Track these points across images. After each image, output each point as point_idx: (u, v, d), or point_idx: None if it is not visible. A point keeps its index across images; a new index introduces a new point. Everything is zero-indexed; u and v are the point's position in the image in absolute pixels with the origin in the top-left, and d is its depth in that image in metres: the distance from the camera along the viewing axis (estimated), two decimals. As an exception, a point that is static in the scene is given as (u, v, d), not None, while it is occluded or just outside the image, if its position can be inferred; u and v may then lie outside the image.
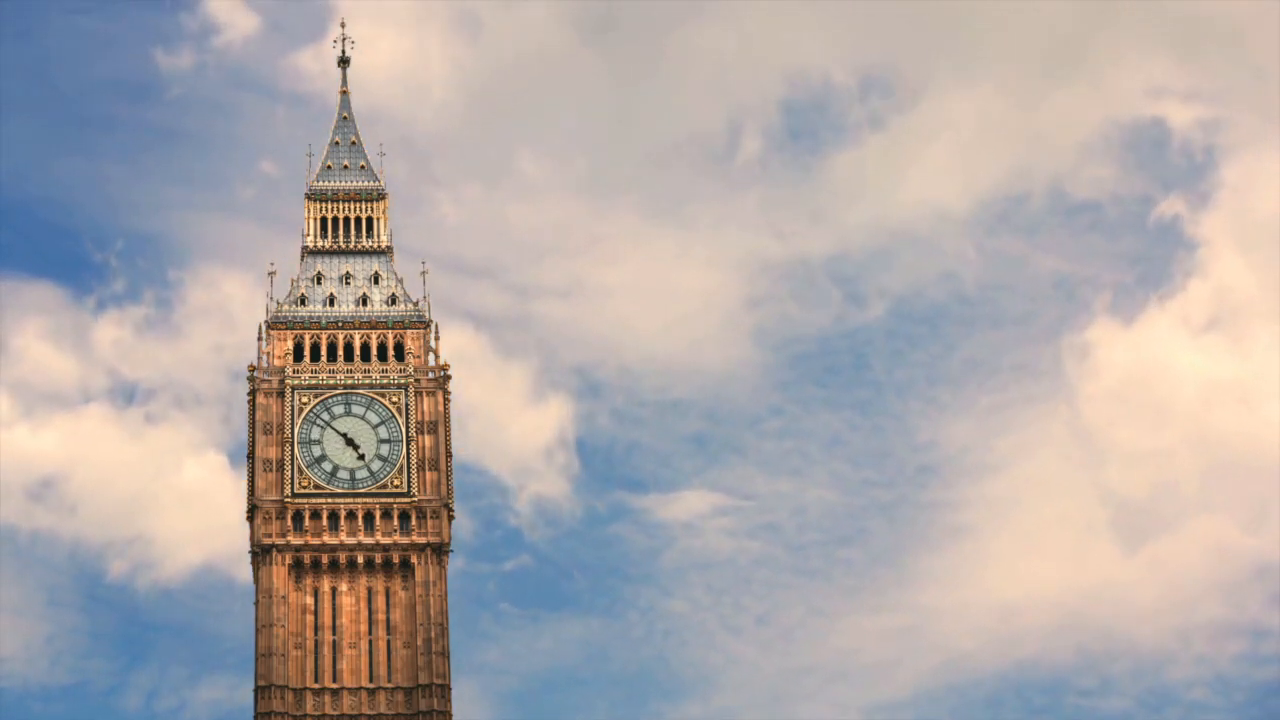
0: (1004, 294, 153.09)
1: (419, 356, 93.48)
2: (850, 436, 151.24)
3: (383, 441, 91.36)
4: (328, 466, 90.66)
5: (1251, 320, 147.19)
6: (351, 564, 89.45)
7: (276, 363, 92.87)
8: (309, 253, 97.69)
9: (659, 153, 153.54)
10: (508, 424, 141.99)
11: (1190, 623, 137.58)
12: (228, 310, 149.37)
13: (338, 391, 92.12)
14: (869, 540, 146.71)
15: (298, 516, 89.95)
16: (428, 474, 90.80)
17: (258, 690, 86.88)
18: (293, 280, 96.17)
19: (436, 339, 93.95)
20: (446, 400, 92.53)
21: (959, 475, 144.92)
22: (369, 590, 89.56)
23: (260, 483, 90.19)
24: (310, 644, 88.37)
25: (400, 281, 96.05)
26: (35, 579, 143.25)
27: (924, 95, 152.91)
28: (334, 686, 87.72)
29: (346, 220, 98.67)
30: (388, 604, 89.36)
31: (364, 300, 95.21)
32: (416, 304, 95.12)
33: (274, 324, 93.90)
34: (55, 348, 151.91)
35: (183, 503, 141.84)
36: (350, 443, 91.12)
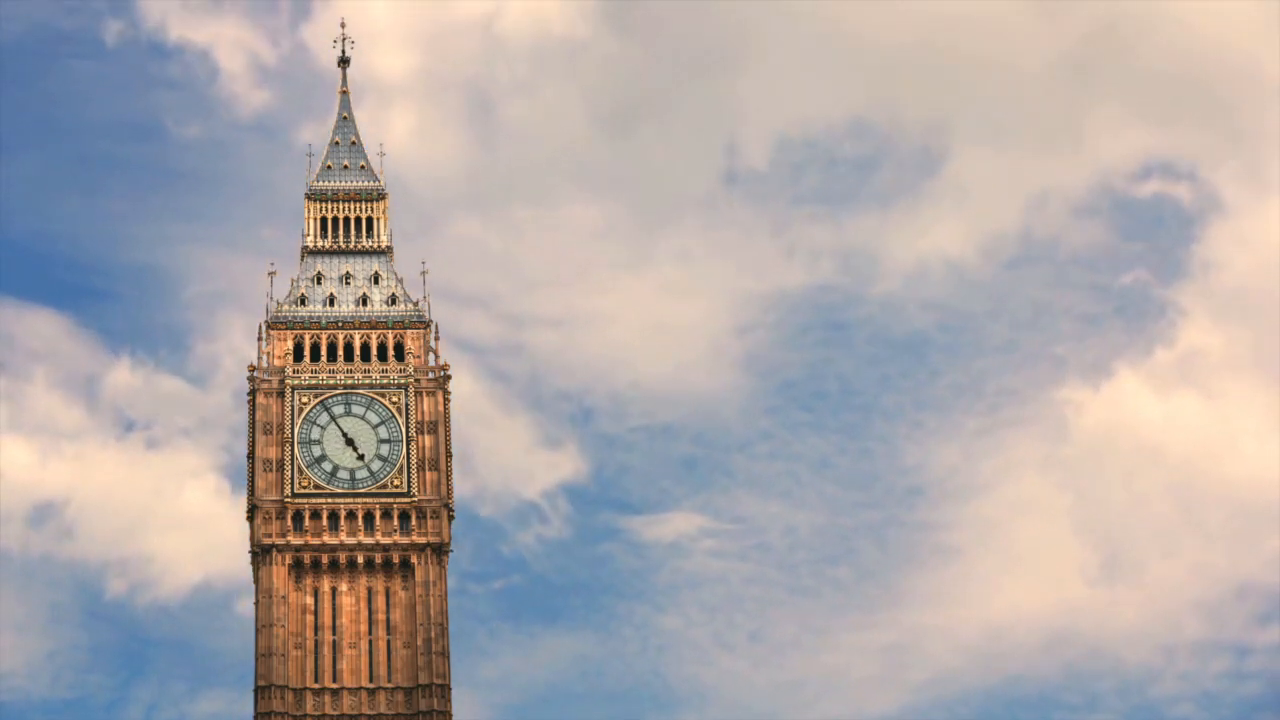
0: (988, 322, 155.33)
1: (419, 356, 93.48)
2: (839, 460, 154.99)
3: (383, 441, 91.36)
4: (328, 466, 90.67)
5: (1224, 372, 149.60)
6: (351, 564, 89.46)
7: (276, 363, 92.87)
8: (309, 253, 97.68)
9: (654, 191, 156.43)
10: (501, 451, 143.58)
11: (1174, 641, 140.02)
12: (228, 338, 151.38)
13: (338, 391, 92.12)
14: (858, 559, 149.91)
15: (298, 516, 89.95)
16: (428, 474, 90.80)
17: (258, 690, 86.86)
18: (293, 280, 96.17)
19: (436, 339, 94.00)
20: (446, 400, 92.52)
21: (946, 497, 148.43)
22: (369, 590, 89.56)
23: (260, 483, 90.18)
24: (310, 644, 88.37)
25: (400, 281, 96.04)
26: (37, 597, 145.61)
27: (912, 146, 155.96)
28: (334, 686, 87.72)
29: (346, 220, 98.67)
30: (388, 604, 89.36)
31: (364, 300, 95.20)
32: (416, 304, 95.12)
33: (274, 324, 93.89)
34: (56, 374, 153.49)
35: (182, 525, 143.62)
36: (350, 443, 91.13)
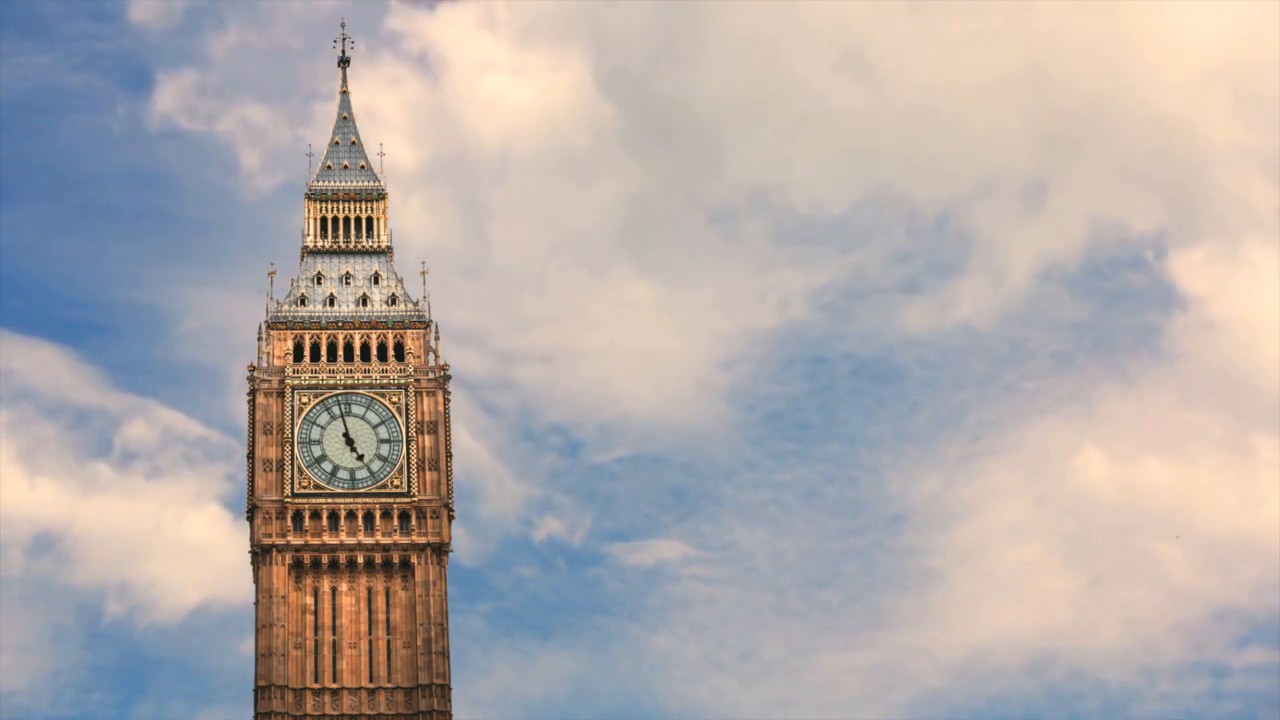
0: (968, 357, 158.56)
1: (419, 356, 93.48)
2: (825, 488, 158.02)
3: (383, 441, 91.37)
4: (328, 466, 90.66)
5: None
6: (351, 564, 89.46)
7: (276, 363, 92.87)
8: (309, 253, 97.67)
9: (642, 227, 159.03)
10: (488, 479, 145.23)
11: (1155, 663, 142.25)
12: (226, 371, 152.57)
13: (338, 391, 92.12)
14: (845, 583, 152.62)
15: (298, 516, 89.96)
16: (428, 474, 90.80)
17: (258, 690, 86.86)
18: (293, 280, 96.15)
19: (436, 339, 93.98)
20: (446, 400, 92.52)
21: (929, 523, 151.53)
22: (369, 590, 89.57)
23: (260, 483, 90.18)
24: (310, 644, 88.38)
25: (400, 281, 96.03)
26: (39, 619, 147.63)
27: (902, 211, 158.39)
28: (334, 686, 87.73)
29: (346, 220, 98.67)
30: (388, 604, 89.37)
31: (364, 300, 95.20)
32: (416, 304, 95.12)
33: (274, 324, 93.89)
34: (57, 405, 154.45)
35: (182, 552, 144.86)
36: (350, 443, 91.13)
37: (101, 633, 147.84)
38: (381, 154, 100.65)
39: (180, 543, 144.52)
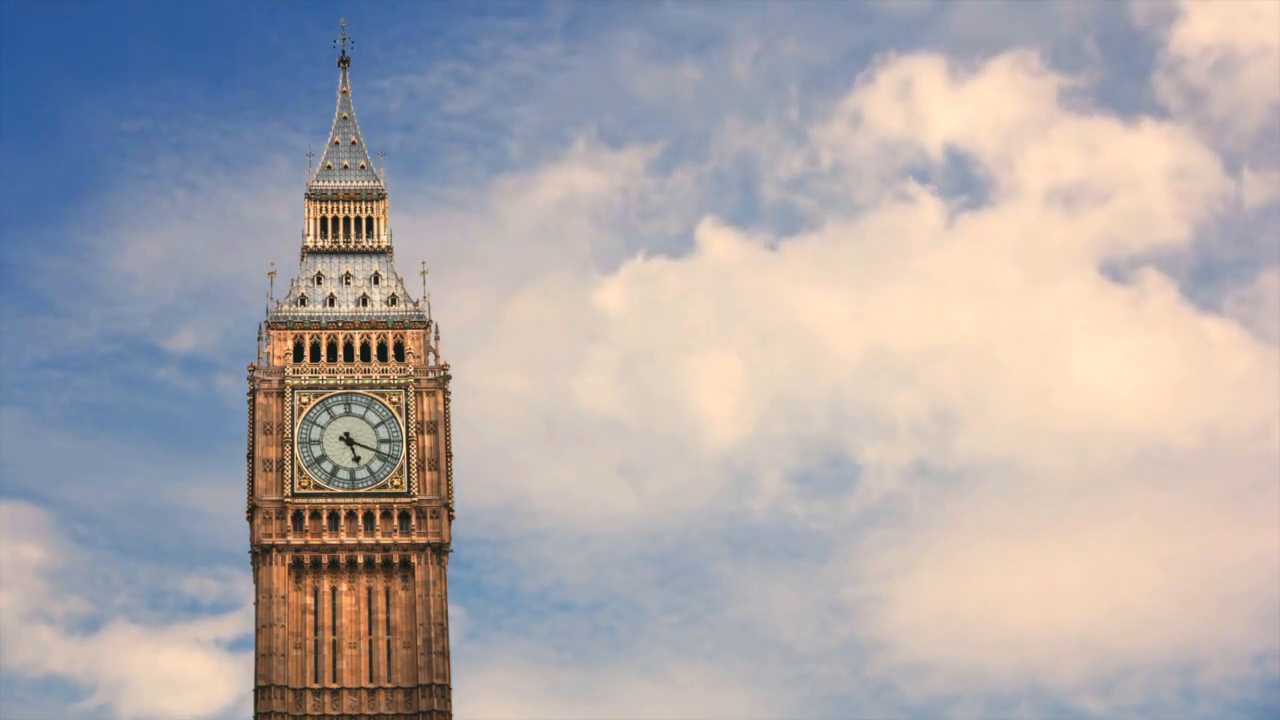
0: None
1: (419, 356, 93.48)
2: None
3: (383, 441, 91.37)
4: (328, 466, 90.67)
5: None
6: (351, 564, 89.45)
7: (276, 363, 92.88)
8: (309, 253, 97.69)
9: None
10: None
11: None
12: (224, 518, 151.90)
13: (338, 391, 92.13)
14: None
15: (298, 516, 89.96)
16: (428, 474, 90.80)
17: (258, 690, 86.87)
18: (293, 280, 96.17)
19: (436, 339, 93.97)
20: (446, 400, 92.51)
21: None
22: (369, 590, 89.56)
23: (260, 483, 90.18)
24: (310, 644, 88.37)
25: (400, 281, 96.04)
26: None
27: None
28: (334, 686, 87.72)
29: (346, 220, 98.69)
30: (388, 604, 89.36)
31: (364, 300, 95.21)
32: (416, 304, 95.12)
33: (274, 324, 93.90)
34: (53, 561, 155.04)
35: (179, 690, 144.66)
36: (350, 443, 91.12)
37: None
38: (382, 154, 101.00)
39: (179, 681, 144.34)
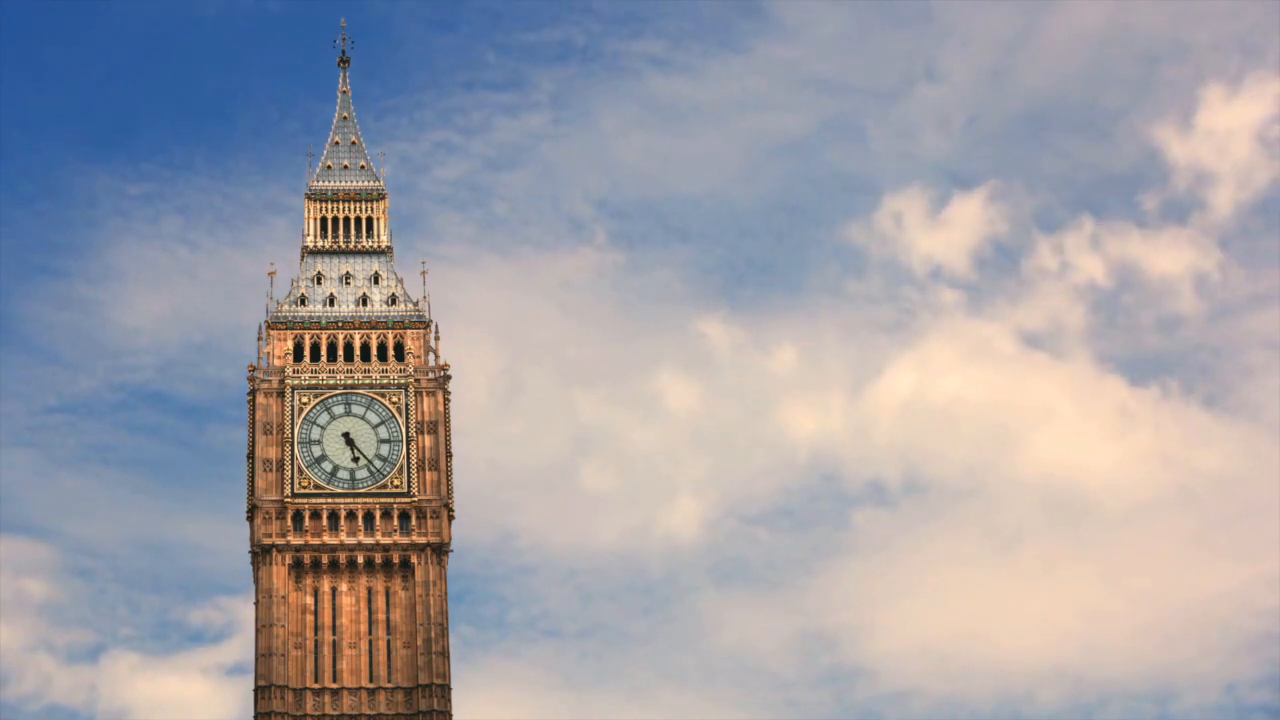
0: None
1: (419, 356, 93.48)
2: None
3: (383, 441, 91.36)
4: (328, 466, 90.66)
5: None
6: (351, 564, 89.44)
7: (276, 363, 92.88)
8: (309, 253, 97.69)
9: None
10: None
11: None
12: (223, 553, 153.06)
13: (338, 391, 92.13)
14: None
15: (298, 516, 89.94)
16: (428, 474, 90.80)
17: (258, 690, 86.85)
18: (293, 280, 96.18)
19: (436, 339, 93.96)
20: (446, 400, 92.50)
21: None
22: (369, 590, 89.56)
23: (260, 483, 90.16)
24: (310, 644, 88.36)
25: (400, 281, 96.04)
26: None
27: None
28: (334, 686, 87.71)
29: (346, 220, 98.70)
30: (388, 604, 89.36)
31: (364, 300, 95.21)
32: (416, 304, 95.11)
33: (274, 324, 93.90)
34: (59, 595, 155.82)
35: (179, 714, 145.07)
36: (350, 443, 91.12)
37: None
38: (382, 154, 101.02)
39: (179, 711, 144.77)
